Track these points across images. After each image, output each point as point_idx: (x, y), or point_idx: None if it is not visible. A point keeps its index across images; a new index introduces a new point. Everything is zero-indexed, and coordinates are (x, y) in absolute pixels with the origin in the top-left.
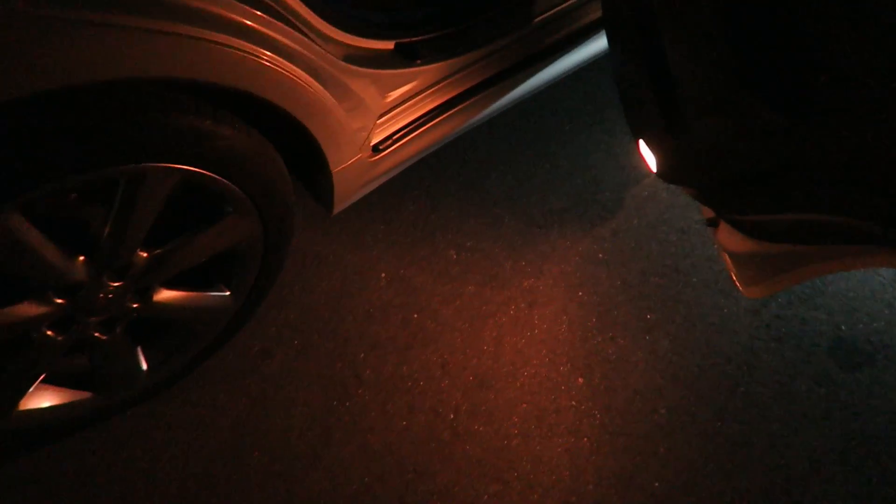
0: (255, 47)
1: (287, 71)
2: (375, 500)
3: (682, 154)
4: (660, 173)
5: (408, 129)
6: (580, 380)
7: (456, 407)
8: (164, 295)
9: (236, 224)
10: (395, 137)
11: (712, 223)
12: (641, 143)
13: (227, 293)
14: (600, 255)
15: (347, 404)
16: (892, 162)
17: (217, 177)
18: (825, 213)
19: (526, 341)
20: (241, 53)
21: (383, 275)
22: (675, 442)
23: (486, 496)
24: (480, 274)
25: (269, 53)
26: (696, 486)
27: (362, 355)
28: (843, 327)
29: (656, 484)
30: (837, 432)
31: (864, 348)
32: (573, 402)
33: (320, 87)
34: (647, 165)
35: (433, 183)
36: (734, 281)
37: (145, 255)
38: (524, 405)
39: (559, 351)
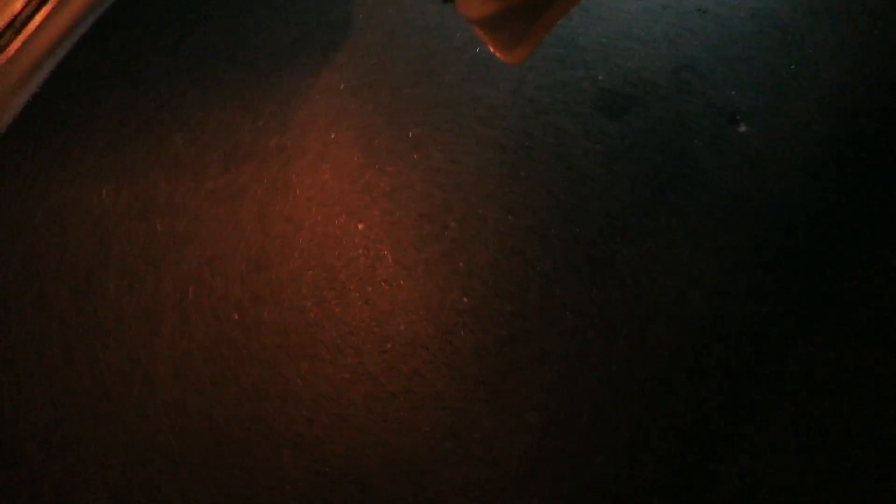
0: None
1: None
2: (184, 427)
3: None
4: None
5: (25, 13)
6: (360, 225)
7: (237, 302)
8: None
9: None
10: (13, 25)
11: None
12: None
13: None
14: (342, 86)
15: (112, 346)
16: None
17: None
18: None
19: (291, 205)
20: None
21: (104, 190)
22: (473, 250)
23: (298, 380)
24: (218, 150)
25: None
26: (504, 283)
27: (112, 287)
28: (600, 77)
29: (465, 299)
30: (625, 184)
31: (626, 91)
32: (360, 251)
33: None
34: None
35: (131, 58)
36: (493, 52)
37: None
38: (310, 272)
39: (330, 202)
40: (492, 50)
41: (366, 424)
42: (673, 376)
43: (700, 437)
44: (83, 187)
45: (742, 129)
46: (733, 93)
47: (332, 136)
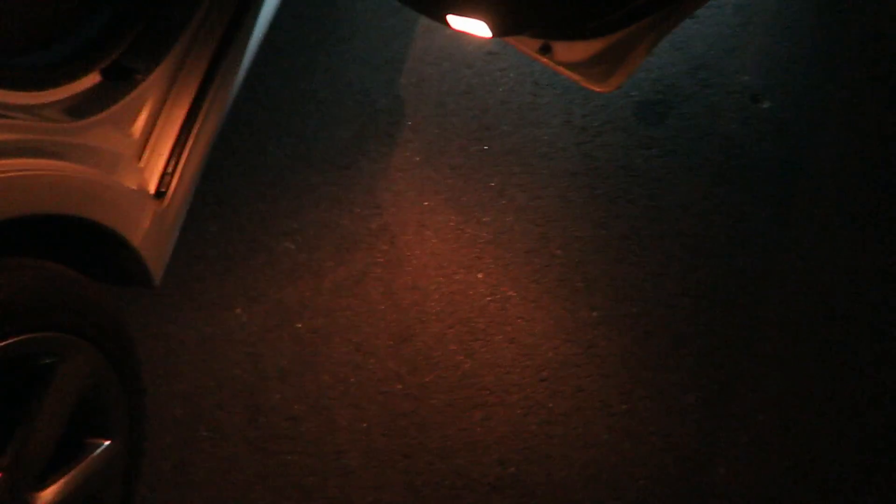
0: None
1: (37, 170)
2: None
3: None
4: (498, 31)
5: (174, 154)
6: (479, 275)
7: (396, 375)
8: (50, 495)
9: (74, 368)
10: (167, 171)
11: (545, 49)
12: (453, 18)
13: (108, 441)
14: (417, 158)
15: (298, 451)
16: None
17: (36, 334)
18: None
19: (412, 276)
20: None
21: (238, 310)
22: (583, 269)
23: (478, 428)
24: (327, 247)
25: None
26: (621, 289)
27: (278, 396)
28: (633, 93)
29: (594, 313)
30: (686, 176)
31: (657, 99)
32: (487, 298)
33: (80, 168)
34: (472, 35)
35: (219, 187)
36: (586, 85)
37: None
38: (451, 330)
39: (445, 263)
40: (585, 84)
41: (551, 448)
42: (783, 334)
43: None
44: (217, 314)
45: (765, 105)
46: (746, 77)
47: (426, 204)
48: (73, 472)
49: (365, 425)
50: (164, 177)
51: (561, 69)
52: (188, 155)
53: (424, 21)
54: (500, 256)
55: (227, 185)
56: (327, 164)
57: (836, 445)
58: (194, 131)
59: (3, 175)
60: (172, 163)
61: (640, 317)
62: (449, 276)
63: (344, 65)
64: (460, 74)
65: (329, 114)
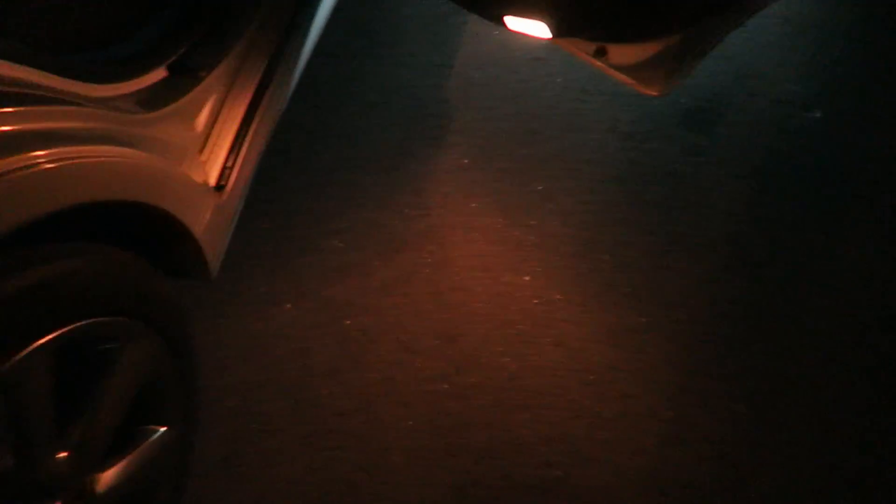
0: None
1: (112, 156)
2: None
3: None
4: (558, 32)
5: (233, 148)
6: (525, 278)
7: (443, 374)
8: (109, 477)
9: (138, 353)
10: (227, 165)
11: (600, 52)
12: (511, 19)
13: (164, 428)
14: (465, 161)
15: (342, 445)
16: None
17: (104, 318)
18: None
19: (458, 277)
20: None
21: (287, 306)
22: (630, 274)
23: (523, 430)
24: (375, 247)
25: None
26: (668, 295)
27: (325, 392)
28: (682, 100)
29: (642, 319)
30: (735, 185)
31: (704, 106)
32: (534, 301)
33: (150, 157)
34: (530, 37)
35: (270, 186)
36: (640, 90)
37: (65, 453)
38: (497, 331)
39: (491, 265)
40: (636, 86)
41: (598, 453)
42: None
43: None
44: (266, 309)
45: (816, 114)
46: (796, 87)
47: (473, 206)
48: (131, 457)
49: (411, 423)
50: (224, 170)
51: (614, 72)
52: (247, 150)
53: (471, 26)
54: (547, 260)
55: (277, 184)
56: (375, 166)
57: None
58: (253, 127)
59: (80, 161)
60: (232, 157)
61: (688, 323)
62: (495, 278)
63: (392, 69)
64: (507, 79)
65: (377, 116)
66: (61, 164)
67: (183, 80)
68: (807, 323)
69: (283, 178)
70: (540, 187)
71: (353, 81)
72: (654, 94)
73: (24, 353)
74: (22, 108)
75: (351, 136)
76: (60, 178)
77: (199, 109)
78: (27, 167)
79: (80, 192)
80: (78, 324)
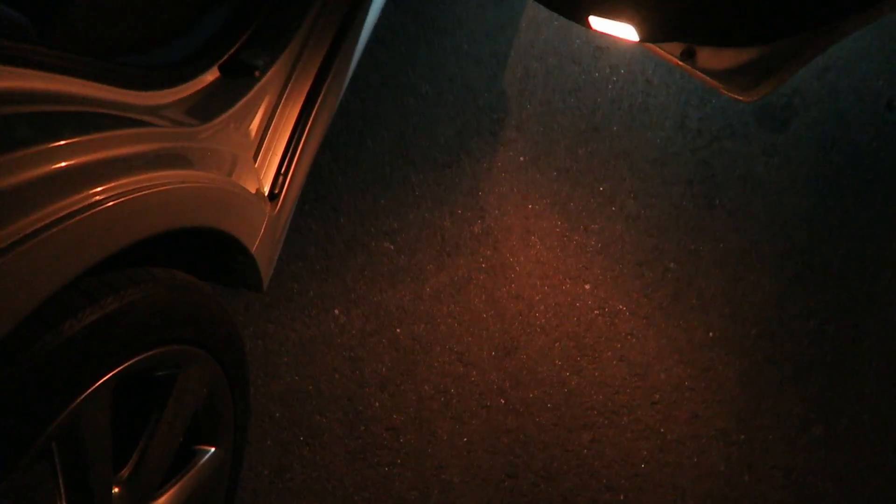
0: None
1: (174, 183)
2: None
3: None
4: (647, 37)
5: (287, 153)
6: (586, 286)
7: (499, 389)
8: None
9: (192, 377)
10: (281, 171)
11: (687, 54)
12: (596, 20)
13: (213, 449)
14: (521, 159)
15: (397, 462)
16: None
17: (167, 347)
18: None
19: (516, 284)
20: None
21: (337, 311)
22: (699, 285)
23: (585, 451)
24: (428, 249)
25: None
26: (739, 309)
27: (377, 404)
28: None
29: (711, 333)
30: (812, 188)
31: (780, 103)
32: (595, 311)
33: (209, 177)
34: (617, 38)
35: (318, 183)
36: (728, 94)
37: (117, 488)
38: (557, 344)
39: (551, 272)
40: (723, 90)
41: (664, 478)
42: None
43: None
44: (316, 315)
45: None
46: (880, 82)
47: (530, 208)
48: (183, 480)
49: (466, 440)
50: (278, 177)
51: (700, 75)
52: (300, 154)
53: (529, 13)
54: (610, 267)
55: (325, 180)
56: (428, 162)
57: None
58: (307, 129)
59: (142, 193)
60: (286, 162)
61: (761, 340)
62: (555, 287)
63: (445, 58)
64: (567, 71)
65: (430, 109)
66: (122, 200)
67: (236, 82)
68: (893, 344)
69: (331, 174)
70: (602, 188)
71: (404, 71)
72: (744, 99)
73: (87, 392)
74: (77, 139)
75: (401, 129)
76: (122, 216)
77: (254, 113)
78: (88, 208)
79: (143, 227)
80: (143, 355)
